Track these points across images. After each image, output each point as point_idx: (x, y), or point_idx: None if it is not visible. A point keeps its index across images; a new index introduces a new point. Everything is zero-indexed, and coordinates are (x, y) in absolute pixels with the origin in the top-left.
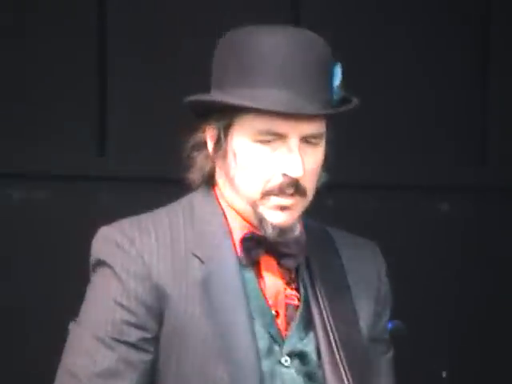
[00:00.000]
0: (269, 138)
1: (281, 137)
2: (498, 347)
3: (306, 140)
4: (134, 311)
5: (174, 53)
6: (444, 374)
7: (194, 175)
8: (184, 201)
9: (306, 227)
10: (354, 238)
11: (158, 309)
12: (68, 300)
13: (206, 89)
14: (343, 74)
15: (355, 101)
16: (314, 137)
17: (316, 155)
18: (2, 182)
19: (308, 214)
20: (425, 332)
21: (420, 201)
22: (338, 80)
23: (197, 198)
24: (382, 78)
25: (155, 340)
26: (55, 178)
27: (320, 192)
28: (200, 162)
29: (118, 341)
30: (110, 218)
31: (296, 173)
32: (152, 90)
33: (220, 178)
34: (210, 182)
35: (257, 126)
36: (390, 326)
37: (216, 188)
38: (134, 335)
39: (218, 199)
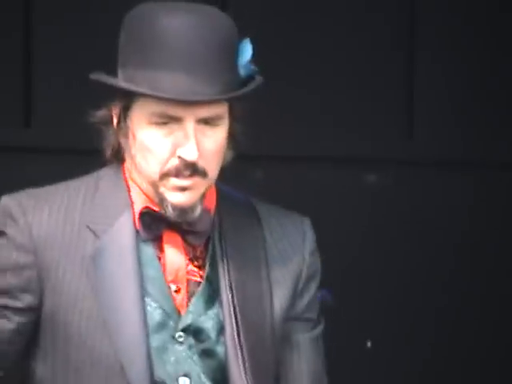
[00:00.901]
0: (164, 120)
1: (177, 120)
2: (425, 316)
3: (204, 121)
4: (8, 279)
5: (96, 26)
6: (369, 344)
7: (105, 150)
8: (94, 175)
9: (223, 200)
10: (282, 212)
11: (37, 283)
12: None
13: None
14: (254, 49)
15: (258, 80)
16: (214, 118)
17: (216, 136)
18: None
19: (235, 186)
20: (352, 303)
21: (348, 172)
22: (246, 57)
23: (104, 173)
24: (311, 52)
25: (28, 312)
26: None
27: (248, 164)
28: (108, 137)
29: None
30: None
31: (191, 156)
32: (77, 61)
33: (127, 155)
34: (120, 157)
35: (152, 108)
36: (318, 297)
37: (125, 165)
38: (0, 301)
39: (124, 175)
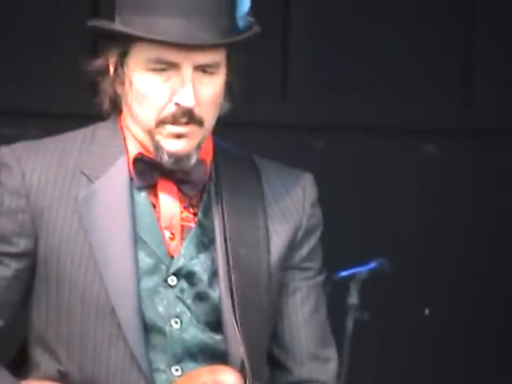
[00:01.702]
0: (162, 66)
1: (174, 66)
2: (484, 283)
3: (201, 69)
4: (3, 225)
5: None
6: (426, 311)
7: (101, 101)
8: (92, 126)
9: (221, 154)
10: (283, 168)
11: (30, 226)
12: None
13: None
14: (251, 1)
15: (255, 29)
16: (210, 66)
17: (213, 84)
18: None
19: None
20: (409, 271)
21: (407, 142)
22: (244, 8)
23: (102, 124)
24: (362, 20)
25: (23, 257)
26: None
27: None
28: (104, 87)
29: None
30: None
31: (187, 102)
32: None
33: (123, 105)
34: (117, 107)
35: (149, 54)
36: (374, 264)
37: (122, 114)
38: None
39: (120, 124)
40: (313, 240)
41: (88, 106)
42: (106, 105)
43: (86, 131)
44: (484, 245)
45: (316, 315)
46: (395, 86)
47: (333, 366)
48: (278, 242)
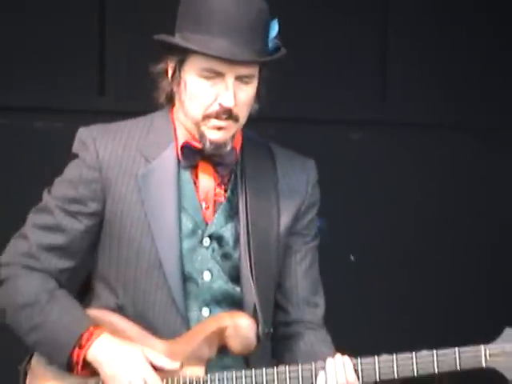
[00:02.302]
0: (211, 75)
1: (220, 75)
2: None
3: (240, 79)
4: (80, 191)
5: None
6: (352, 258)
7: (158, 96)
8: (150, 115)
9: (247, 143)
10: (293, 155)
11: (101, 193)
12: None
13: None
14: (279, 28)
15: (282, 51)
16: (247, 77)
17: (248, 91)
18: None
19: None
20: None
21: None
22: (273, 33)
23: (158, 114)
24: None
25: (94, 216)
26: None
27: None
28: (162, 86)
29: (61, 208)
30: None
31: (228, 103)
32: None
33: (177, 100)
34: (170, 102)
35: (202, 64)
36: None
37: (174, 108)
38: (74, 207)
39: (172, 116)
40: (311, 213)
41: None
42: (162, 99)
43: (146, 120)
44: (403, 205)
45: (310, 271)
46: (317, 80)
47: (320, 310)
48: (285, 216)
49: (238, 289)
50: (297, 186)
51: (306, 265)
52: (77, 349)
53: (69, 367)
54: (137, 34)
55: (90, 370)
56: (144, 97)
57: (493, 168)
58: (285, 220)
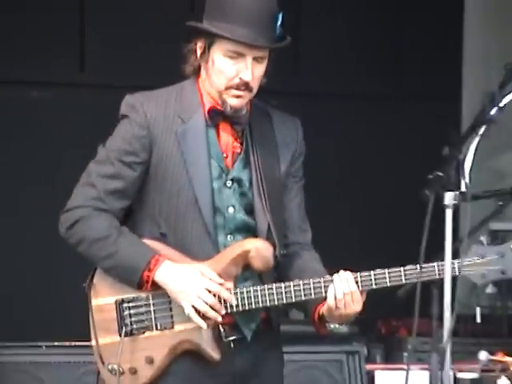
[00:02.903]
0: (234, 55)
1: (241, 55)
2: None
3: (256, 59)
4: (132, 145)
5: None
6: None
7: (187, 68)
8: (179, 84)
9: (253, 108)
10: (284, 115)
11: (149, 146)
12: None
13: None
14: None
15: (288, 39)
16: (261, 58)
17: (261, 68)
18: None
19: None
20: None
21: None
22: (279, 23)
23: (186, 84)
24: None
25: (143, 164)
26: None
27: None
28: (191, 61)
29: (119, 160)
30: None
31: (247, 78)
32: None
33: (202, 73)
34: (196, 74)
35: (228, 47)
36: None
37: (199, 79)
38: (129, 158)
39: (198, 85)
40: (300, 159)
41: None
42: (189, 71)
43: (177, 88)
44: None
45: (301, 204)
46: None
47: (309, 234)
48: (283, 162)
49: (252, 220)
50: (290, 140)
51: (298, 199)
52: (146, 271)
53: (139, 286)
54: (113, 17)
55: (153, 287)
56: (119, 72)
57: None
58: (283, 165)
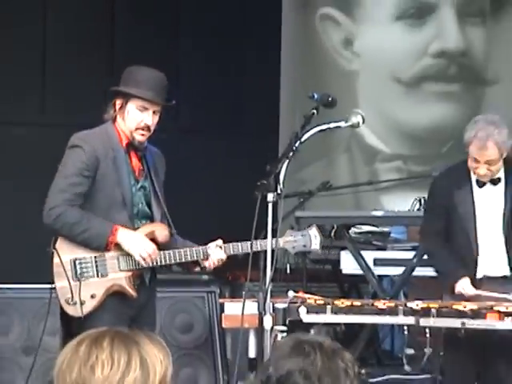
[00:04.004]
0: (142, 108)
1: (146, 108)
2: None
3: (154, 112)
4: (87, 164)
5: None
6: None
7: (107, 116)
8: (104, 126)
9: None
10: (154, 149)
11: (96, 166)
12: None
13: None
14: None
15: (173, 102)
16: (157, 111)
17: (157, 118)
18: None
19: None
20: None
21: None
22: (167, 90)
23: (107, 126)
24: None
25: (92, 178)
26: None
27: None
28: (111, 112)
29: (79, 174)
30: None
31: (149, 123)
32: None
33: (119, 119)
34: (114, 119)
35: (138, 103)
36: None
37: (116, 122)
38: (85, 173)
39: (116, 127)
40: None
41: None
42: (108, 118)
43: (102, 129)
44: None
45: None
46: None
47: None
48: (161, 175)
49: (150, 211)
50: (160, 162)
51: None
52: (111, 236)
53: (105, 248)
54: (71, 62)
55: (113, 248)
56: (74, 114)
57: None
58: (161, 177)
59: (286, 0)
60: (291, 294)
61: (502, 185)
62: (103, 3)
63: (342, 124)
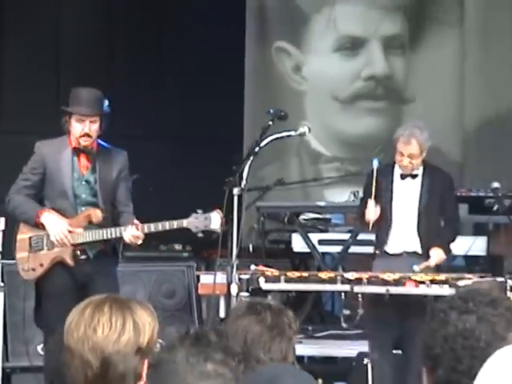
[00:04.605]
0: (80, 121)
1: (83, 120)
2: None
3: (90, 121)
4: (35, 164)
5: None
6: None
7: (64, 129)
8: (63, 136)
9: (100, 146)
10: (115, 148)
11: (43, 166)
12: None
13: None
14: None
15: (109, 112)
16: (94, 120)
17: (95, 126)
18: None
19: None
20: None
21: None
22: (105, 103)
23: (64, 136)
24: None
25: (41, 175)
26: None
27: None
28: (66, 126)
29: (30, 172)
30: None
31: (87, 131)
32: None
33: (71, 131)
34: (67, 131)
35: (76, 117)
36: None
37: (69, 133)
38: (33, 171)
39: (69, 137)
40: (126, 171)
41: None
42: (65, 130)
43: (63, 137)
44: None
45: (127, 192)
46: None
47: (131, 208)
48: (115, 172)
49: (95, 200)
50: (120, 160)
51: (123, 189)
52: (37, 218)
53: (36, 226)
54: (24, 74)
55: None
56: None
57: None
58: (114, 173)
59: (248, 35)
60: (253, 267)
61: (419, 180)
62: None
63: (293, 133)
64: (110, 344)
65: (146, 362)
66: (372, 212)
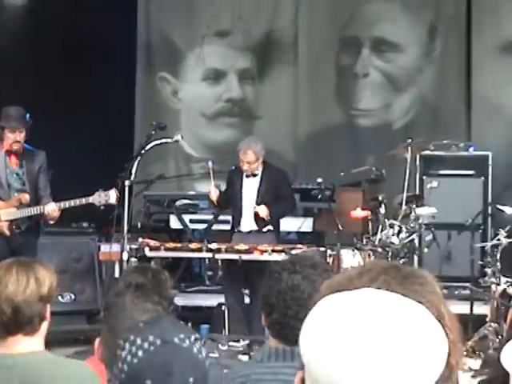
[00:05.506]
0: (11, 131)
1: (14, 131)
2: None
3: (19, 131)
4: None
5: None
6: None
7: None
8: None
9: (26, 148)
10: (36, 150)
11: None
12: None
13: None
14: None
15: (30, 121)
16: (20, 130)
17: (22, 135)
18: None
19: None
20: None
21: None
22: (27, 116)
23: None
24: None
25: None
26: None
27: None
28: (1, 136)
29: None
30: None
31: (17, 139)
32: None
33: (4, 139)
34: (1, 139)
35: (8, 129)
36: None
37: (4, 140)
38: None
39: (3, 143)
40: (45, 164)
41: None
42: (1, 138)
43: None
44: None
45: (46, 180)
46: None
47: (49, 191)
48: (37, 165)
49: (24, 187)
50: (40, 157)
51: (43, 178)
52: None
53: None
54: None
55: None
56: None
57: None
58: (36, 166)
59: (138, 66)
60: (140, 239)
61: (258, 177)
62: None
63: (169, 140)
64: (19, 295)
65: (48, 306)
66: (213, 194)
